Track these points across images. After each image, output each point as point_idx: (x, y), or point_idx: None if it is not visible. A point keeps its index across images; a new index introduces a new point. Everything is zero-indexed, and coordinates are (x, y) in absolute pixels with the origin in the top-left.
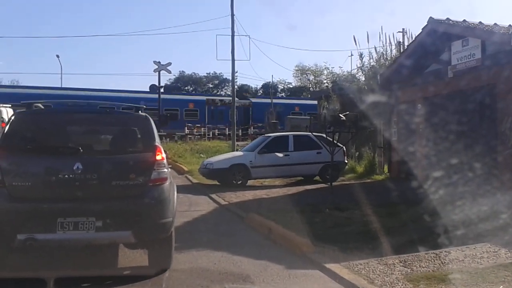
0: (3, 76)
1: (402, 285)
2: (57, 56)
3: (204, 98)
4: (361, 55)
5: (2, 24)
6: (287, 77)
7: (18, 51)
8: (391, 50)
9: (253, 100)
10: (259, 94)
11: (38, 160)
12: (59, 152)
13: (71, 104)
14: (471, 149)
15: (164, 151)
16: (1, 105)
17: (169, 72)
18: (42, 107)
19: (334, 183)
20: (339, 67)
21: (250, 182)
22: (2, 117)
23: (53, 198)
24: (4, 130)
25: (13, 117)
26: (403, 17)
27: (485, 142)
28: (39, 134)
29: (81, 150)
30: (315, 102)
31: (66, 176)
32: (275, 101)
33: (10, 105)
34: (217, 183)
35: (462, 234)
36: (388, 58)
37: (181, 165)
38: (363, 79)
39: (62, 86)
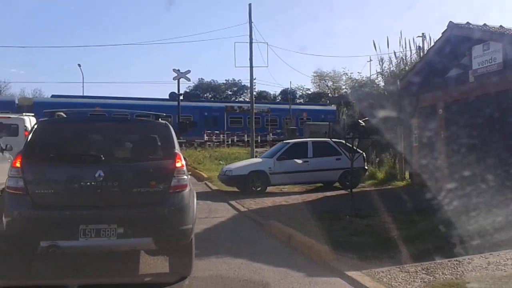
0: (26, 85)
1: None
2: (79, 65)
3: (223, 105)
4: (381, 60)
5: (24, 34)
6: (305, 83)
7: (40, 61)
8: (411, 55)
9: (272, 106)
10: (278, 100)
11: (60, 168)
12: (81, 160)
13: (92, 113)
14: (494, 154)
15: (184, 158)
16: (24, 114)
17: (188, 79)
18: (65, 115)
19: (354, 190)
20: (358, 72)
21: (269, 189)
22: (25, 126)
23: (75, 205)
24: (27, 139)
25: (36, 126)
26: (423, 22)
27: (508, 146)
28: (62, 142)
29: (103, 158)
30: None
31: (88, 183)
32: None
33: (32, 114)
34: (237, 190)
35: (485, 243)
36: (408, 63)
37: (200, 172)
38: (383, 84)
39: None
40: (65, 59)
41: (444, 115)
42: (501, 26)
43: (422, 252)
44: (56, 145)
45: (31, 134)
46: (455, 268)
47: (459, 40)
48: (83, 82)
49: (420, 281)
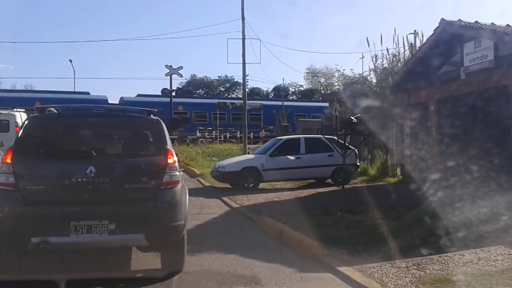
0: (16, 81)
1: None
2: (70, 60)
3: (215, 101)
4: (375, 57)
5: (14, 29)
6: (298, 79)
7: (31, 56)
8: (404, 52)
9: (264, 102)
10: (270, 97)
11: (51, 164)
12: (72, 156)
13: (83, 108)
14: (484, 151)
15: (176, 154)
16: (15, 109)
17: (181, 75)
18: (55, 111)
19: (346, 186)
20: (350, 69)
21: (261, 185)
22: (16, 122)
23: (66, 201)
24: (18, 135)
25: (26, 122)
26: (416, 18)
27: (498, 143)
28: (53, 138)
29: (94, 154)
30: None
31: (80, 179)
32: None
33: (23, 110)
34: (229, 186)
35: (475, 237)
36: (401, 60)
37: (193, 168)
38: (375, 81)
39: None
40: (56, 54)
41: (435, 112)
42: (492, 23)
43: (413, 247)
44: (47, 141)
45: (21, 130)
46: (446, 263)
47: (451, 37)
48: (74, 78)
49: (411, 277)
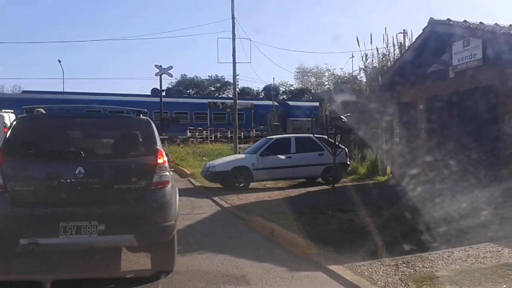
0: (5, 81)
1: (405, 285)
2: (59, 61)
3: (206, 101)
4: (365, 56)
5: (3, 30)
6: (288, 79)
7: (19, 57)
8: (394, 51)
9: (255, 102)
10: (261, 96)
11: (40, 165)
12: (61, 157)
13: (72, 109)
14: (473, 149)
15: (166, 154)
16: (3, 110)
17: (171, 75)
18: (44, 111)
19: (336, 185)
20: (340, 68)
21: (252, 185)
22: (4, 122)
23: (55, 202)
24: (6, 135)
25: (14, 122)
26: (405, 18)
27: (487, 141)
28: (41, 138)
29: (83, 155)
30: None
31: (68, 180)
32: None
33: (12, 111)
34: (220, 186)
35: (465, 235)
36: (391, 59)
37: (183, 168)
38: (365, 80)
39: (64, 91)
40: (46, 55)
41: (424, 110)
42: (481, 22)
43: (402, 245)
44: (36, 141)
45: (9, 130)
46: (435, 261)
47: (440, 36)
48: (63, 78)
49: (401, 274)
